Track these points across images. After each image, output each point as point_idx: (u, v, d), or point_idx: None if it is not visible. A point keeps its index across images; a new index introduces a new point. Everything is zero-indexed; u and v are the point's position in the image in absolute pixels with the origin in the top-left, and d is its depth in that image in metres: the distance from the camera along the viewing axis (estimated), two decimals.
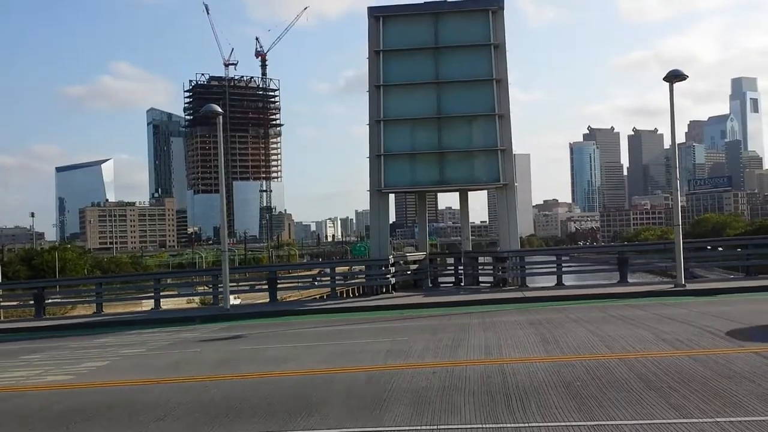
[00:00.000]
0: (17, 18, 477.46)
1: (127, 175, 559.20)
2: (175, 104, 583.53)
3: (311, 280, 32.86)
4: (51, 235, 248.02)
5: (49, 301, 29.43)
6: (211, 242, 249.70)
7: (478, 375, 10.29)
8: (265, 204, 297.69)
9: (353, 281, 31.96)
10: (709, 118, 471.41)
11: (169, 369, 13.20)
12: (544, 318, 16.88)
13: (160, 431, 8.44)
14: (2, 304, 31.00)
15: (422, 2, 29.42)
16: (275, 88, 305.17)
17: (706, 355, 10.64)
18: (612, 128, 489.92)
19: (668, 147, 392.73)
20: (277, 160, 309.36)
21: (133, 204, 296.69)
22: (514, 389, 9.17)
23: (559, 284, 25.57)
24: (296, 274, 36.68)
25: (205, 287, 32.28)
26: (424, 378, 10.35)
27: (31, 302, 27.80)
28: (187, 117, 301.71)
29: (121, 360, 14.91)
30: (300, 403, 9.25)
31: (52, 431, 8.75)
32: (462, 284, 28.84)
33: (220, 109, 24.01)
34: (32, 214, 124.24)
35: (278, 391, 10.27)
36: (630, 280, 24.98)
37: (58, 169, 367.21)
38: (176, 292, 32.72)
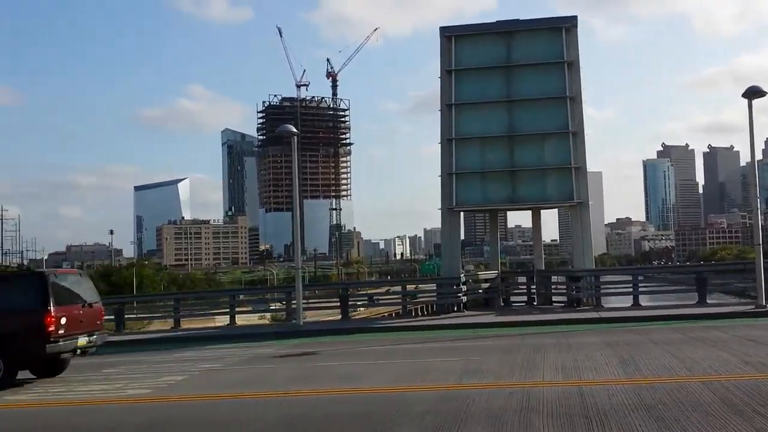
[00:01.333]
0: (98, 45, 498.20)
1: (202, 194, 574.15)
2: (248, 125, 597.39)
3: (383, 296, 33.05)
4: (129, 252, 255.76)
5: (129, 316, 30.32)
6: (282, 259, 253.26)
7: (555, 396, 10.11)
8: (334, 222, 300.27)
9: (422, 299, 31.90)
10: None
11: (246, 384, 13.43)
12: (622, 339, 16.49)
13: None
14: None
15: (494, 21, 29.42)
16: (345, 107, 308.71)
17: None
18: (686, 145, 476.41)
19: (744, 164, 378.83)
20: (346, 179, 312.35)
21: (208, 222, 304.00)
22: (594, 411, 8.97)
23: (636, 305, 24.94)
24: (367, 292, 36.82)
25: (278, 304, 32.71)
26: (500, 398, 10.23)
27: (112, 317, 28.68)
28: (260, 137, 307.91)
29: (198, 374, 15.24)
30: (375, 420, 9.27)
31: None
32: (534, 303, 28.45)
33: (295, 130, 24.48)
34: (111, 232, 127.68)
35: (353, 408, 10.31)
36: (709, 301, 24.18)
37: (137, 188, 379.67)
38: (250, 309, 33.27)
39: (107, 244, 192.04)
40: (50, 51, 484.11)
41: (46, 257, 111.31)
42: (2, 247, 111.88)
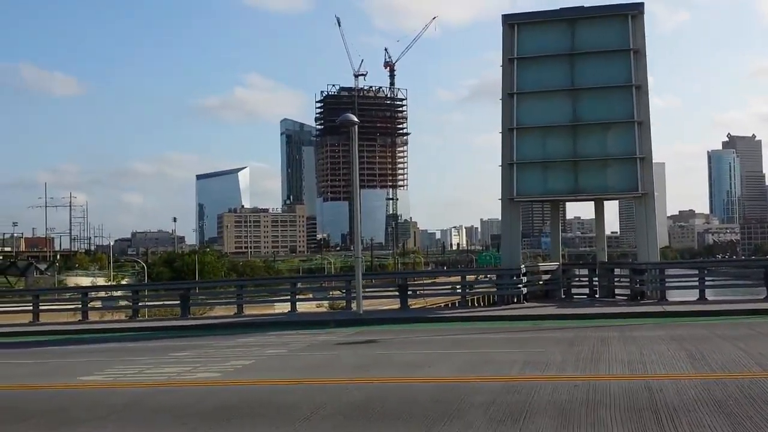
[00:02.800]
0: (157, 36, 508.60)
1: (261, 183, 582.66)
2: (306, 114, 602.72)
3: (447, 287, 33.17)
4: (191, 239, 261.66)
5: (193, 301, 31.01)
6: (338, 248, 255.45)
7: (622, 390, 9.99)
8: (391, 212, 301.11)
9: (480, 290, 31.76)
10: None
11: (311, 370, 13.66)
12: (688, 333, 16.17)
13: (308, 429, 8.75)
14: (150, 303, 33.00)
15: (557, 8, 28.93)
16: (403, 97, 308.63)
17: None
18: (753, 136, 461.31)
19: None
20: (403, 169, 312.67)
21: (267, 210, 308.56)
22: (663, 406, 8.85)
23: (702, 299, 24.37)
24: (426, 281, 36.93)
25: (338, 292, 33.02)
26: (565, 391, 10.17)
27: (178, 302, 29.43)
28: (318, 126, 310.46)
29: (265, 359, 15.55)
30: (440, 409, 9.32)
31: (206, 426, 9.24)
32: (596, 296, 28.05)
33: (355, 119, 24.59)
34: (174, 219, 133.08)
35: (417, 396, 10.39)
36: None
37: (198, 177, 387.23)
38: (310, 296, 33.68)
39: (170, 232, 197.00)
40: (112, 42, 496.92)
41: (112, 243, 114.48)
42: (71, 232, 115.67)
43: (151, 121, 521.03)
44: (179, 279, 72.55)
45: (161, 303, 33.07)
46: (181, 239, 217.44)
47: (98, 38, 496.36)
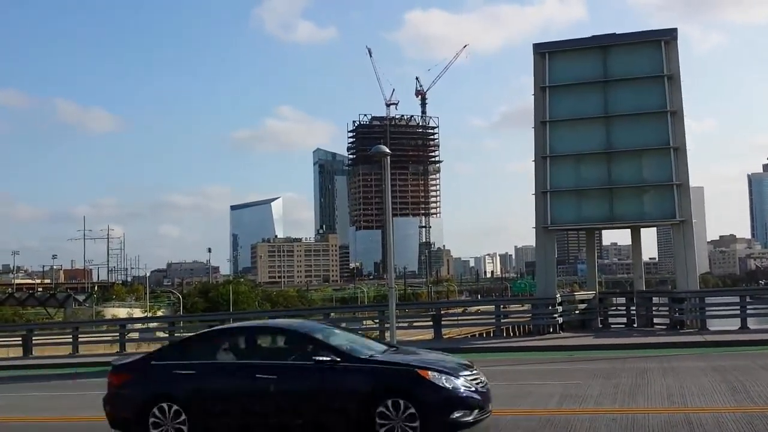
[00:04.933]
0: (190, 72, 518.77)
1: (293, 212, 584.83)
2: (337, 144, 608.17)
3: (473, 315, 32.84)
4: (225, 269, 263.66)
5: None
6: (371, 277, 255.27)
7: (662, 424, 9.79)
8: (424, 240, 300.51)
9: (514, 319, 31.44)
10: None
11: None
12: (730, 364, 15.78)
13: None
14: (186, 335, 33.17)
15: (589, 36, 28.93)
16: (434, 125, 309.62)
17: None
18: None
19: None
20: (435, 196, 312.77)
21: (300, 240, 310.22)
22: None
23: (744, 327, 23.83)
24: (460, 311, 36.70)
25: (371, 322, 32.89)
26: (603, 425, 9.99)
27: None
28: (350, 156, 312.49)
29: None
30: None
31: None
32: (635, 326, 27.58)
33: (388, 150, 24.65)
34: (209, 250, 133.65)
35: None
36: None
37: (233, 207, 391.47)
38: (344, 326, 33.58)
39: (205, 262, 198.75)
40: (148, 79, 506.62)
41: (148, 274, 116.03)
42: (108, 264, 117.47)
43: (187, 155, 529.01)
44: (214, 309, 73.15)
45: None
46: (216, 269, 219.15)
47: (136, 77, 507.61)
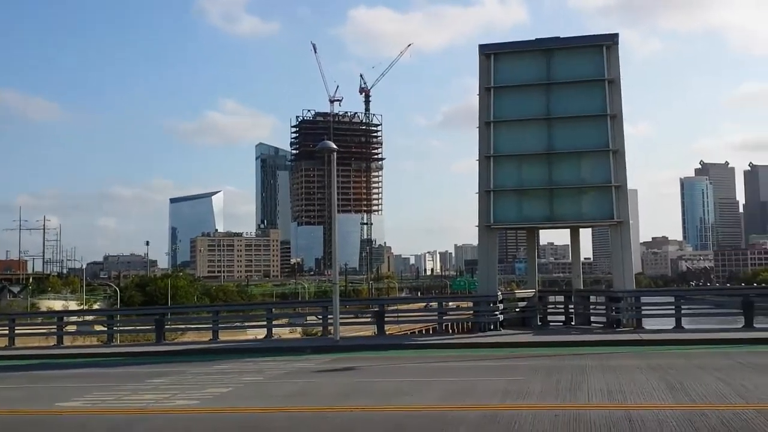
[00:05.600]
0: (133, 63, 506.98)
1: (234, 207, 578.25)
2: (280, 139, 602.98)
3: (419, 312, 33.01)
4: (163, 262, 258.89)
5: (168, 326, 30.63)
6: (312, 273, 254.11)
7: (603, 420, 10.02)
8: (365, 236, 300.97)
9: (454, 316, 31.71)
10: None
11: (290, 398, 13.51)
12: (666, 363, 16.26)
13: None
14: (126, 328, 32.54)
15: (533, 39, 29.39)
16: (378, 123, 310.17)
17: None
18: (726, 163, 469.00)
19: None
20: (378, 194, 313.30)
21: (240, 234, 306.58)
22: None
23: (678, 327, 24.58)
24: (403, 308, 36.83)
25: (313, 317, 32.80)
26: (546, 420, 10.17)
27: (151, 327, 29.03)
28: (293, 151, 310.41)
29: (242, 387, 15.36)
30: None
31: None
32: (573, 323, 28.17)
33: (334, 146, 24.64)
34: (147, 243, 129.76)
35: (402, 425, 10.33)
36: (756, 325, 23.71)
37: (172, 200, 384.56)
38: (287, 322, 33.39)
39: (143, 255, 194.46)
40: (90, 68, 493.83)
41: (84, 266, 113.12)
42: (44, 255, 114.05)
43: (132, 147, 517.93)
44: (151, 303, 71.69)
45: (135, 328, 32.58)
46: (154, 263, 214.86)
47: (76, 65, 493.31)
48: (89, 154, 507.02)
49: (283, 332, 35.60)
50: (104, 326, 31.31)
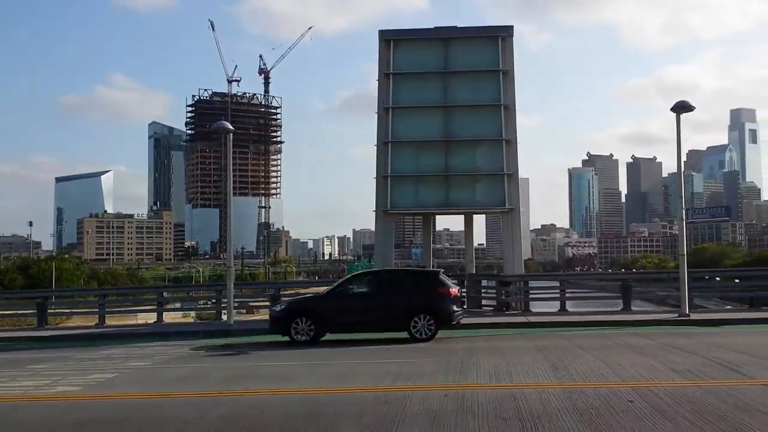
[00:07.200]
0: (15, 29, 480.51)
1: (125, 187, 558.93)
2: (174, 118, 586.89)
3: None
4: (48, 244, 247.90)
5: (51, 311, 29.38)
6: (207, 256, 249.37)
7: (489, 399, 10.32)
8: (263, 220, 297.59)
9: None
10: (708, 147, 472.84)
11: (178, 383, 13.22)
12: (551, 344, 16.91)
13: None
14: (3, 312, 30.89)
15: (432, 27, 29.78)
16: (277, 105, 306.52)
17: (717, 387, 10.69)
18: (611, 155, 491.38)
19: (667, 175, 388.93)
20: (276, 177, 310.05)
21: (132, 216, 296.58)
22: (528, 415, 9.20)
23: (563, 310, 25.61)
24: (302, 292, 36.70)
25: (207, 302, 32.20)
26: (435, 401, 10.38)
27: (33, 311, 27.75)
28: (189, 131, 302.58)
29: (128, 372, 14.92)
30: (314, 422, 9.27)
31: None
32: (465, 307, 28.81)
33: (231, 127, 24.14)
34: (30, 223, 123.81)
35: (289, 408, 10.30)
36: (633, 308, 25.02)
37: (58, 179, 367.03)
38: (179, 306, 32.64)
39: (25, 236, 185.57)
40: None
41: None
42: None
43: (9, 119, 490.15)
44: (34, 286, 68.50)
45: (15, 312, 31.04)
46: (38, 245, 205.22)
47: None
48: None
49: (175, 317, 34.85)
50: None
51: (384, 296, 19.70)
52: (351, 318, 19.38)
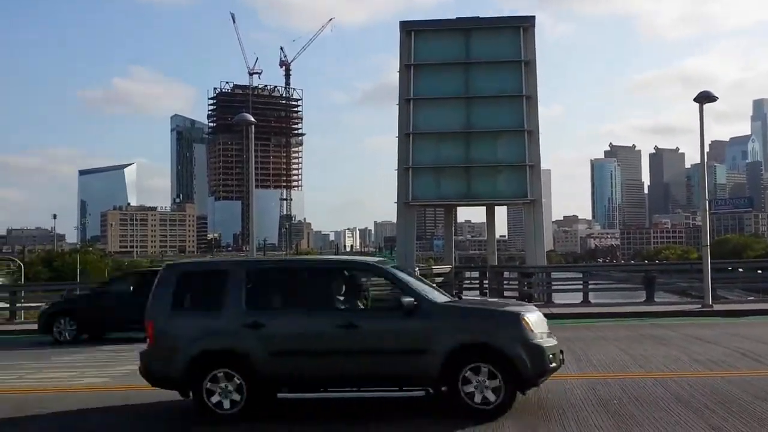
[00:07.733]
0: (35, 20, 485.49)
1: (148, 180, 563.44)
2: (196, 111, 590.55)
3: None
4: (72, 237, 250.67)
5: None
6: (230, 248, 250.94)
7: None
8: (284, 212, 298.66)
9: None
10: (731, 138, 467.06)
11: None
12: (574, 335, 16.84)
13: None
14: (30, 305, 31.30)
15: (454, 18, 29.68)
16: (298, 97, 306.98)
17: (741, 377, 10.64)
18: (633, 146, 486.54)
19: (690, 166, 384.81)
20: (297, 169, 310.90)
21: (155, 209, 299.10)
22: (551, 406, 9.21)
23: (586, 301, 25.51)
24: None
25: None
26: None
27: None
28: (211, 124, 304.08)
29: None
30: None
31: None
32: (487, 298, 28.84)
33: (252, 119, 24.28)
34: (54, 216, 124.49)
35: None
36: (656, 300, 24.87)
37: (81, 173, 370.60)
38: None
39: (50, 229, 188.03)
40: None
41: None
42: None
43: (33, 113, 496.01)
44: (59, 279, 69.27)
45: (39, 304, 31.40)
46: (62, 237, 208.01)
47: None
48: None
49: None
50: (6, 303, 30.12)
51: None
52: None
